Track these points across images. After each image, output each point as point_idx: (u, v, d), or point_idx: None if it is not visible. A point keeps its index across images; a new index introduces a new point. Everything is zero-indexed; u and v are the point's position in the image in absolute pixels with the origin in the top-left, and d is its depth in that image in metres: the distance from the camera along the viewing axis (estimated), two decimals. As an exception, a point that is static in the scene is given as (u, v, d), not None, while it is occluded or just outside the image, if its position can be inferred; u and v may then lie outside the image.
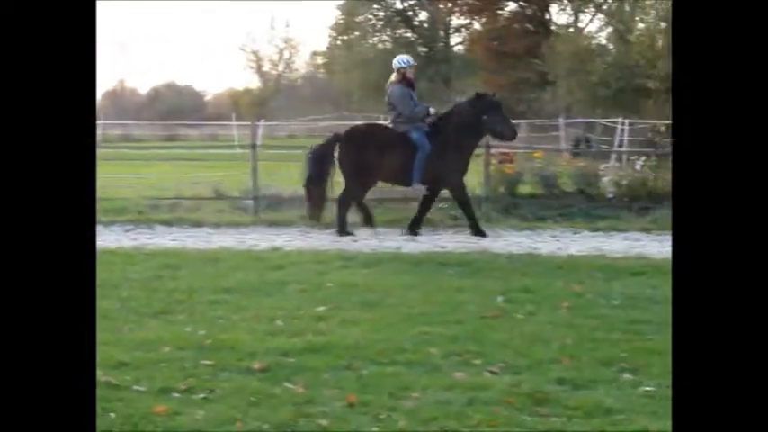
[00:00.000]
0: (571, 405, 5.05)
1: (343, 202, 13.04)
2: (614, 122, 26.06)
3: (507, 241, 12.38)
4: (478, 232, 12.84)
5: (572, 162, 18.06)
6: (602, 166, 18.13)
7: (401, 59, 13.33)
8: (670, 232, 13.20)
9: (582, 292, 8.21)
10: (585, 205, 15.44)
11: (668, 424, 4.62)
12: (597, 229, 13.62)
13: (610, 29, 39.54)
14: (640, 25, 34.68)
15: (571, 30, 44.65)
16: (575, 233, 13.39)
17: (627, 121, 26.78)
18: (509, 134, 13.14)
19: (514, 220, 14.52)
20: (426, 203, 13.31)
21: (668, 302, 7.49)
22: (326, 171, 13.05)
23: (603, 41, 40.61)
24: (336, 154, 13.00)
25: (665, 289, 8.28)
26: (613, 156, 21.71)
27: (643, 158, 17.15)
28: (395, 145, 12.81)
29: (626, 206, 15.05)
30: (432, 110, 13.19)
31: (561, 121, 31.79)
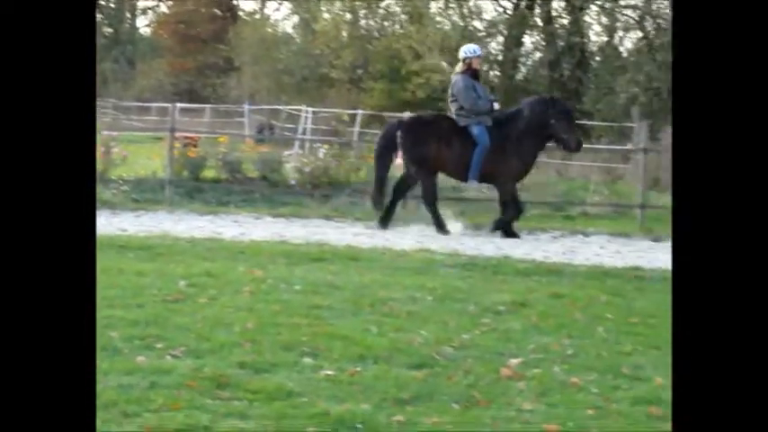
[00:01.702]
0: (252, 388, 5.03)
1: (429, 200, 12.63)
2: (298, 110, 26.44)
3: (190, 225, 12.24)
4: (509, 234, 12.41)
5: (256, 148, 18.21)
6: (286, 152, 18.42)
7: (468, 49, 12.75)
8: (350, 219, 13.62)
9: (264, 277, 8.24)
10: (268, 191, 15.59)
11: (348, 406, 4.74)
12: (279, 215, 13.76)
13: (296, 17, 40.04)
14: (326, 15, 35.32)
15: (257, 16, 44.86)
16: (257, 218, 13.46)
17: (311, 109, 27.25)
18: (574, 145, 12.75)
19: (197, 204, 14.41)
20: (505, 207, 12.67)
21: (349, 288, 7.75)
22: (390, 160, 12.83)
23: (290, 30, 41.08)
24: (399, 142, 12.60)
25: (345, 275, 8.49)
26: (297, 143, 22.04)
27: (326, 146, 17.51)
28: (455, 137, 12.41)
29: (308, 193, 15.31)
30: (496, 105, 12.72)
31: (246, 107, 31.87)
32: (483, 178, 12.65)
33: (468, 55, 12.52)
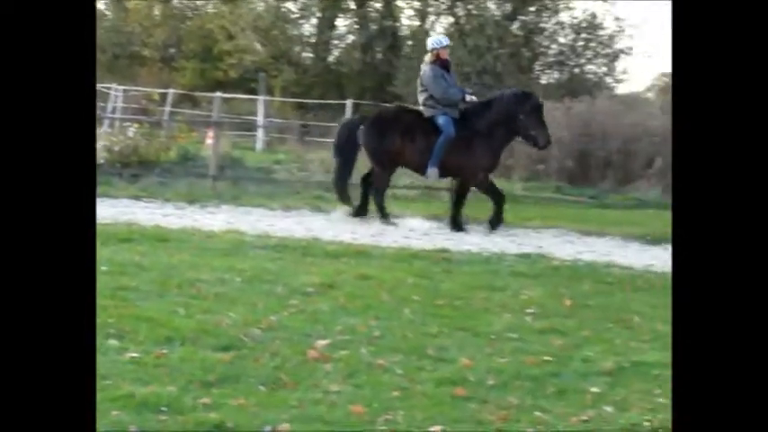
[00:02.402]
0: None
1: (379, 190, 12.52)
2: (108, 88, 25.79)
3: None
4: (495, 225, 12.36)
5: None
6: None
7: (435, 40, 12.73)
8: (160, 199, 13.39)
9: (69, 257, 8.03)
10: (75, 170, 15.15)
11: (153, 388, 4.71)
12: (87, 195, 13.38)
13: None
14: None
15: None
16: (63, 198, 13.06)
17: (121, 87, 26.63)
18: (542, 142, 12.45)
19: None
20: (458, 200, 12.62)
21: (157, 269, 7.62)
22: (353, 156, 12.69)
23: (101, 6, 39.98)
24: (361, 138, 12.49)
25: (153, 256, 8.37)
26: (106, 121, 21.49)
27: (135, 125, 17.18)
28: (419, 131, 12.30)
29: (117, 172, 14.98)
30: (468, 95, 12.48)
31: (52, 83, 30.81)
32: (447, 172, 12.64)
33: (436, 46, 12.54)
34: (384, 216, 12.40)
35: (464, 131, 12.21)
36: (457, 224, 12.32)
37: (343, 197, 12.78)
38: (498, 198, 12.49)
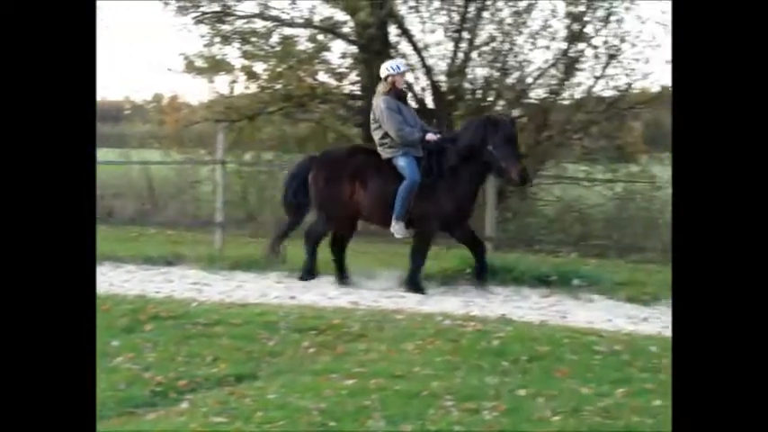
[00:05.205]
0: None
1: (309, 238, 10.47)
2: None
3: None
4: (481, 280, 10.28)
5: None
6: None
7: (390, 65, 10.39)
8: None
9: None
10: None
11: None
12: None
13: None
14: None
15: None
16: None
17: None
18: (516, 176, 9.90)
19: None
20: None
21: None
22: (303, 201, 10.47)
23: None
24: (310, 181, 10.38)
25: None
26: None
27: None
28: (375, 174, 10.12)
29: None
30: (430, 133, 10.16)
31: None
32: (410, 223, 10.13)
33: (392, 72, 10.23)
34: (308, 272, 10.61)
35: (431, 173, 10.03)
36: (415, 284, 10.16)
37: (277, 252, 10.88)
38: (480, 248, 10.41)
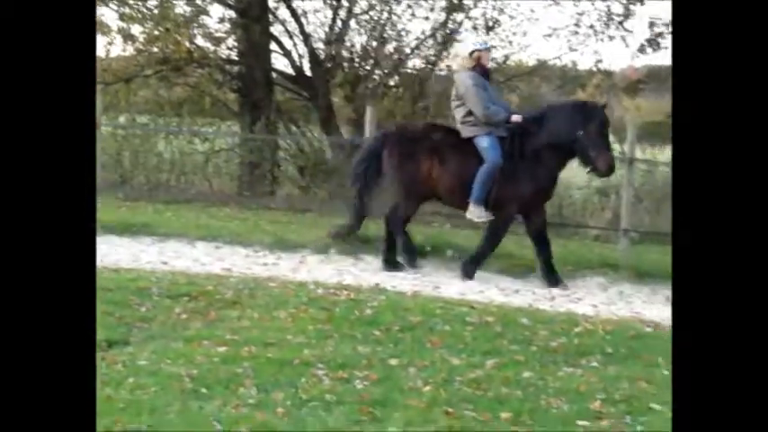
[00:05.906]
0: None
1: (392, 223, 9.81)
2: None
3: None
4: (552, 281, 9.65)
5: None
6: None
7: (477, 41, 10.14)
8: None
9: None
10: None
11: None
12: None
13: None
14: None
15: None
16: None
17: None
18: (602, 167, 9.50)
19: None
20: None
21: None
22: (375, 180, 9.87)
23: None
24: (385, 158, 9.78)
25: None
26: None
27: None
28: (454, 154, 9.60)
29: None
30: (515, 115, 9.63)
31: None
32: (486, 205, 9.58)
33: (478, 47, 9.84)
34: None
35: (515, 155, 9.57)
36: (472, 268, 9.79)
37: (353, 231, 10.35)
38: (546, 249, 9.81)
